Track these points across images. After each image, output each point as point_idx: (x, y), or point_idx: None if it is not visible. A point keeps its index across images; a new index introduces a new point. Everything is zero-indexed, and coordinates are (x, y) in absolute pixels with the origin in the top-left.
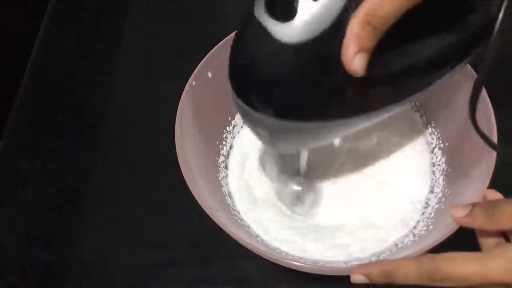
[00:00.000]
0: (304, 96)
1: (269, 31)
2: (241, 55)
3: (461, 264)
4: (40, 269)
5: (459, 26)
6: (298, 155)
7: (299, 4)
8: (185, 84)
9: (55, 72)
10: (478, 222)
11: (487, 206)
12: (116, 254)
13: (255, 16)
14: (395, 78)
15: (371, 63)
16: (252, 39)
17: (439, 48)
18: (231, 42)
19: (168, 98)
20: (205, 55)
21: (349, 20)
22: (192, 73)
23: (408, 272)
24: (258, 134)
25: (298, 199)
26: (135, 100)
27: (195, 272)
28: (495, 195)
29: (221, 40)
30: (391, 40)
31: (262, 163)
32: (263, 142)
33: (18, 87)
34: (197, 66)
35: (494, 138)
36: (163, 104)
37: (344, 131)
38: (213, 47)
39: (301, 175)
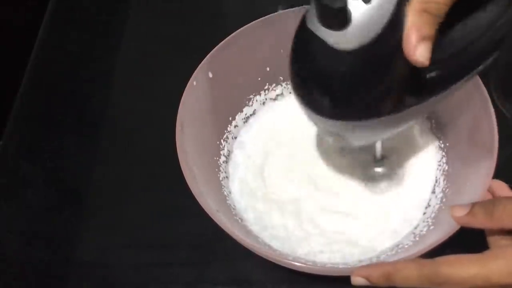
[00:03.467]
0: (371, 96)
1: (327, 41)
2: (304, 69)
3: (461, 267)
4: (40, 269)
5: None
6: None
7: (352, 10)
8: (185, 84)
9: (55, 72)
10: (479, 220)
11: (487, 204)
12: (116, 254)
13: (309, 28)
14: (450, 62)
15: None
16: (312, 52)
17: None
18: (231, 42)
19: (168, 98)
20: (205, 55)
21: (404, 15)
22: (192, 73)
23: (409, 275)
24: (333, 135)
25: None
26: (135, 100)
27: (195, 272)
28: (500, 186)
29: (221, 40)
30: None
31: (261, 178)
32: (339, 141)
33: (18, 87)
34: (197, 66)
35: (495, 138)
36: (163, 104)
37: (409, 121)
38: (213, 47)
39: (379, 160)
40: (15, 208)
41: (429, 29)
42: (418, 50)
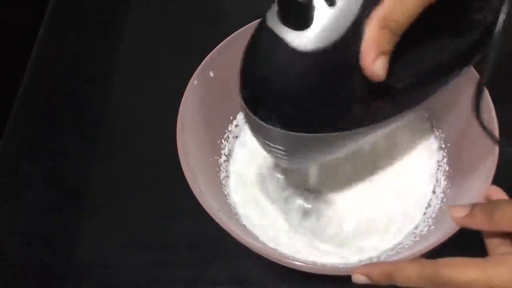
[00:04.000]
0: (323, 105)
1: (285, 40)
2: (255, 66)
3: (462, 270)
4: (40, 269)
5: (463, 30)
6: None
7: (315, 11)
8: (185, 84)
9: (55, 72)
10: (478, 222)
11: (487, 206)
12: (116, 254)
13: (268, 26)
14: (407, 85)
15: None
16: (267, 49)
17: (446, 52)
18: (233, 41)
19: (168, 98)
20: (205, 55)
21: (364, 25)
22: (192, 73)
23: (410, 275)
24: (270, 150)
25: (305, 214)
26: (135, 100)
27: (195, 272)
28: (497, 192)
29: (222, 40)
30: (400, 47)
31: (262, 178)
32: (275, 158)
33: (18, 87)
34: (197, 66)
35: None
36: (163, 104)
37: (357, 142)
38: (213, 47)
39: (310, 191)
40: (15, 208)
41: (387, 45)
42: (376, 65)
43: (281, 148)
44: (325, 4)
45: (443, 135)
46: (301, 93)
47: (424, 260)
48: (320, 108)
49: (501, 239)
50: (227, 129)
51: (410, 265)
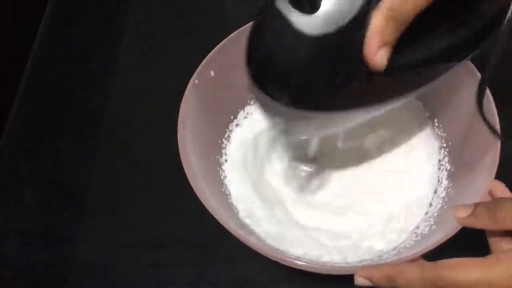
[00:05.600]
0: (323, 87)
1: (292, 23)
2: (261, 45)
3: (463, 271)
4: (40, 269)
5: (468, 18)
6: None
7: None
8: (185, 84)
9: (55, 72)
10: (481, 221)
11: (490, 205)
12: (116, 254)
13: (277, 7)
14: (407, 70)
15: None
16: (274, 30)
17: (448, 40)
18: (233, 41)
19: (168, 98)
20: (205, 55)
21: (371, 14)
22: (192, 73)
23: (411, 278)
24: (275, 123)
25: (305, 183)
26: (135, 100)
27: (195, 272)
28: (501, 187)
29: (221, 40)
30: (404, 33)
31: (263, 177)
32: (278, 129)
33: (18, 87)
34: (197, 66)
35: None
36: (163, 104)
37: (356, 120)
38: (213, 47)
39: (310, 160)
40: (15, 208)
41: (391, 36)
42: (378, 55)
43: (285, 122)
44: None
45: (444, 134)
46: (302, 74)
47: (424, 263)
48: (321, 88)
49: (503, 237)
50: (228, 128)
51: (411, 268)
